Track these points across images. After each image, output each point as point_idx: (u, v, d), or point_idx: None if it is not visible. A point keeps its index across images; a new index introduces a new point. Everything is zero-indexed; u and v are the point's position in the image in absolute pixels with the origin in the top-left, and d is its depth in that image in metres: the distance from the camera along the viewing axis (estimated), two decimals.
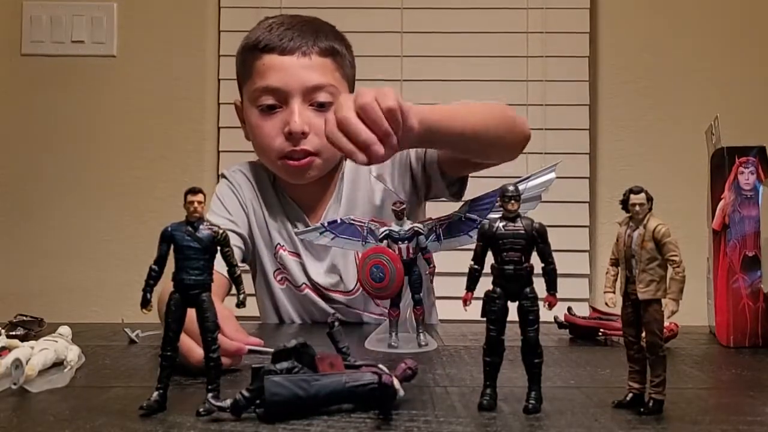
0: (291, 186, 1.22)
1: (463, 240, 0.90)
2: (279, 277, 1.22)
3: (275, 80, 1.13)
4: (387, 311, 0.90)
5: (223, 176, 1.27)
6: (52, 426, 0.53)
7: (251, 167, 1.27)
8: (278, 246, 1.21)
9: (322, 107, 1.14)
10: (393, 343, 0.87)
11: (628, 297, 0.56)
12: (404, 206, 0.88)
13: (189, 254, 0.56)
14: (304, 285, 1.21)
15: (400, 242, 0.88)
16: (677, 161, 1.88)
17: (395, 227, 0.88)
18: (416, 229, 0.88)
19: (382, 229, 0.89)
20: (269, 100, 1.14)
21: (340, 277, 1.20)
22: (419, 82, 1.97)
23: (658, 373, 0.56)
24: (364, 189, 1.23)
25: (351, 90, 1.22)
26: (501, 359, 0.58)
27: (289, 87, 1.13)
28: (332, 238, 0.94)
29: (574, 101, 2.00)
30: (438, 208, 1.25)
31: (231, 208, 1.21)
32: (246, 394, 0.54)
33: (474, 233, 0.86)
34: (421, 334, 0.88)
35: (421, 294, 0.89)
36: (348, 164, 1.25)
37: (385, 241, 0.89)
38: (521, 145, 1.11)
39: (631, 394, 0.58)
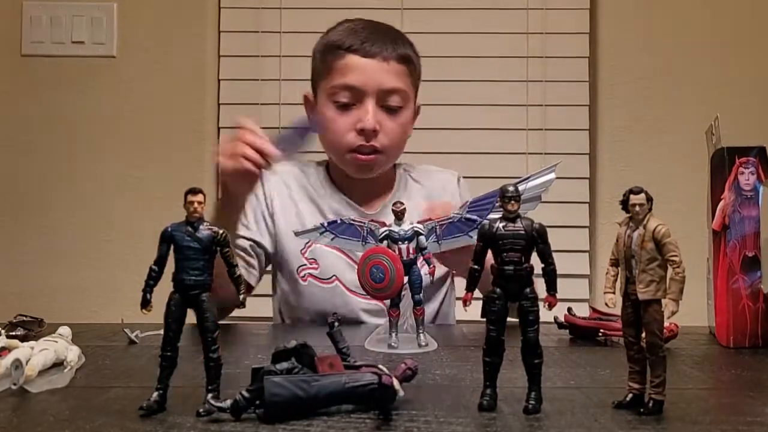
0: (348, 182, 1.28)
1: (463, 240, 0.90)
2: (302, 273, 1.25)
3: (354, 79, 1.21)
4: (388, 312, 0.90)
5: None
6: (52, 426, 0.53)
7: (293, 168, 1.32)
8: (312, 240, 1.22)
9: (391, 111, 1.22)
10: (393, 344, 0.87)
11: (628, 297, 0.56)
12: (404, 206, 0.88)
13: (189, 254, 0.56)
14: (333, 277, 1.23)
15: (400, 242, 0.87)
16: (677, 161, 1.88)
17: (395, 228, 0.88)
18: (416, 229, 0.88)
19: (382, 230, 0.89)
20: (345, 98, 1.22)
21: None
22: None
23: (658, 374, 0.56)
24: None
25: (416, 98, 1.29)
26: (501, 359, 0.58)
27: (367, 87, 1.20)
28: (332, 239, 0.94)
29: (574, 101, 1.99)
30: None
31: (251, 217, 1.27)
32: (246, 394, 0.54)
33: (474, 233, 0.86)
34: (421, 334, 0.88)
35: (422, 294, 0.89)
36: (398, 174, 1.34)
37: (385, 242, 0.89)
38: None
39: (631, 395, 0.58)
